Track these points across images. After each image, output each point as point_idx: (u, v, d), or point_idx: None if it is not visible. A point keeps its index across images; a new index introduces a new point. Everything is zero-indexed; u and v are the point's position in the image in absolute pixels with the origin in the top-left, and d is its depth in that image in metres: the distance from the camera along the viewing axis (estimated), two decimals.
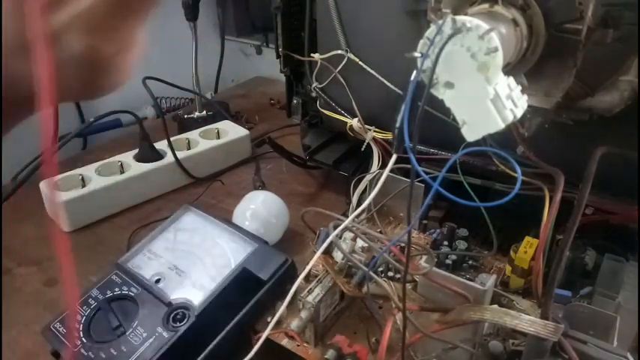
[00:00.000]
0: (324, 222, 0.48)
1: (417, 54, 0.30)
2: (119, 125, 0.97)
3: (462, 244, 0.53)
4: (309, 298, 0.44)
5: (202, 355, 0.42)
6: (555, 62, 0.37)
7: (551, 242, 0.45)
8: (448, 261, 0.51)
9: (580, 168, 0.39)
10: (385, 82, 0.56)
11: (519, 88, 0.31)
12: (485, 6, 0.35)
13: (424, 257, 0.45)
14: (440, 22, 0.29)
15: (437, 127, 0.44)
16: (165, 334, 0.43)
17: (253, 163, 0.80)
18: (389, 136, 0.59)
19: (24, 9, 0.21)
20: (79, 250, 0.62)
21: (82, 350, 0.43)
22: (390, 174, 0.55)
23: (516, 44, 0.34)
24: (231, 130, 0.80)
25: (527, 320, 0.35)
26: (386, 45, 0.55)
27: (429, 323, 0.41)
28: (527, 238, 0.49)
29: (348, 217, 0.43)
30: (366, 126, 0.60)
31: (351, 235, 0.47)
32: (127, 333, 0.43)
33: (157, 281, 0.47)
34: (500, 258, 0.54)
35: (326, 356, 0.42)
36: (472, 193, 0.48)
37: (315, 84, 0.65)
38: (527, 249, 0.48)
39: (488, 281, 0.42)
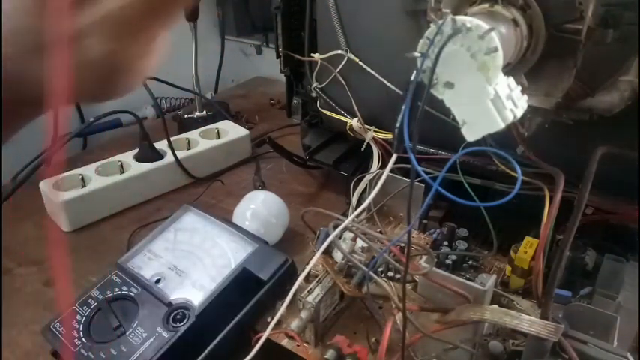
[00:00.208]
0: (324, 222, 0.48)
1: (417, 54, 0.30)
2: (119, 125, 0.97)
3: (462, 244, 0.53)
4: (309, 298, 0.44)
5: (202, 355, 0.42)
6: (555, 62, 0.37)
7: (551, 242, 0.45)
8: (448, 261, 0.51)
9: (580, 168, 0.39)
10: (385, 82, 0.56)
11: (519, 88, 0.31)
12: (486, 6, 0.35)
13: (424, 257, 0.45)
14: (440, 22, 0.29)
15: (437, 127, 0.44)
16: (165, 334, 0.43)
17: (253, 163, 0.80)
18: (389, 136, 0.59)
19: (47, 7, 0.20)
20: (79, 250, 0.62)
21: (82, 350, 0.43)
22: (390, 174, 0.55)
23: (516, 44, 0.34)
24: (231, 130, 0.80)
25: (527, 320, 0.35)
26: (386, 45, 0.55)
27: (429, 323, 0.41)
28: (527, 238, 0.49)
29: (348, 217, 0.43)
30: (366, 126, 0.60)
31: (351, 235, 0.47)
32: (127, 333, 0.43)
33: (157, 281, 0.47)
34: (500, 258, 0.54)
35: (326, 356, 0.42)
36: (472, 193, 0.48)
37: (315, 84, 0.65)
38: (527, 249, 0.48)
39: (488, 281, 0.42)
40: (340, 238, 0.47)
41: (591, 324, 0.38)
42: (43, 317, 0.48)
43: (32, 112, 0.25)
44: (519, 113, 0.30)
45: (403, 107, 0.30)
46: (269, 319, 0.42)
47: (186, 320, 0.44)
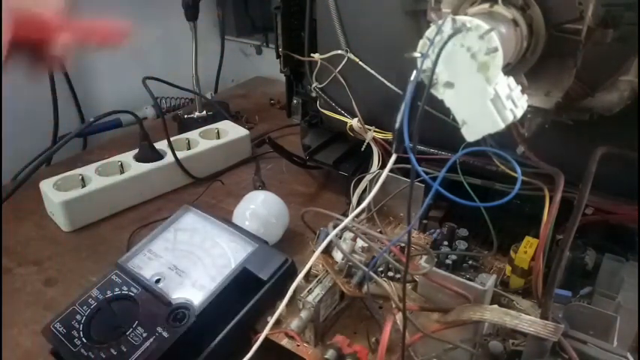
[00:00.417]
0: (324, 222, 0.48)
1: (417, 54, 0.30)
2: (119, 125, 0.97)
3: (462, 244, 0.53)
4: (309, 298, 0.44)
5: (202, 355, 0.42)
6: (555, 62, 0.37)
7: (551, 242, 0.45)
8: (448, 261, 0.51)
9: (580, 168, 0.39)
10: (385, 82, 0.56)
11: (519, 88, 0.31)
12: (486, 6, 0.35)
13: (424, 257, 0.45)
14: (440, 22, 0.29)
15: (437, 127, 0.44)
16: (165, 334, 0.43)
17: (253, 163, 0.80)
18: (389, 136, 0.59)
19: None
20: (79, 250, 0.62)
21: (82, 350, 0.43)
22: (390, 174, 0.55)
23: (516, 44, 0.34)
24: (231, 130, 0.80)
25: (527, 320, 0.35)
26: (386, 45, 0.55)
27: (429, 323, 0.41)
28: (527, 238, 0.49)
29: (348, 217, 0.43)
30: (366, 126, 0.60)
31: (351, 235, 0.47)
32: (127, 333, 0.43)
33: (157, 281, 0.47)
34: (500, 258, 0.54)
35: (326, 356, 0.42)
36: (472, 193, 0.48)
37: (315, 84, 0.65)
38: (527, 249, 0.48)
39: (488, 281, 0.42)
40: (340, 238, 0.47)
41: (591, 324, 0.38)
42: (43, 317, 0.48)
43: None
44: (519, 113, 0.30)
45: (403, 107, 0.30)
46: (269, 319, 0.42)
47: (186, 320, 0.43)
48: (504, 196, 0.32)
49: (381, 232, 0.55)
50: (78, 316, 0.45)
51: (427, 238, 0.57)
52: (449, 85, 0.30)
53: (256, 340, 0.41)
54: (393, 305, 0.42)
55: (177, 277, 0.48)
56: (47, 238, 0.64)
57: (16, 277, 0.58)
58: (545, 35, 0.36)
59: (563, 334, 0.35)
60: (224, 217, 0.55)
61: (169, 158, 0.72)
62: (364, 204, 0.42)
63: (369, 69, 0.58)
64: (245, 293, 0.46)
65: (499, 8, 0.35)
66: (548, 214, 0.41)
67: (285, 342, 0.45)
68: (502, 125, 0.29)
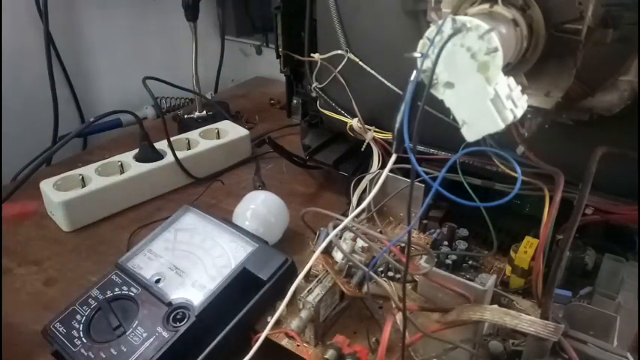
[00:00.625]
0: (324, 222, 0.48)
1: (417, 54, 0.30)
2: (119, 125, 0.97)
3: (462, 244, 0.53)
4: (309, 298, 0.44)
5: (202, 355, 0.42)
6: (555, 62, 0.37)
7: (551, 242, 0.45)
8: (448, 261, 0.51)
9: (580, 168, 0.39)
10: (385, 82, 0.56)
11: (519, 88, 0.31)
12: (486, 6, 0.35)
13: (424, 257, 0.45)
14: (440, 22, 0.29)
15: (437, 127, 0.44)
16: (165, 334, 0.43)
17: (253, 163, 0.80)
18: (389, 136, 0.59)
19: None
20: (79, 250, 0.62)
21: (82, 350, 0.43)
22: (390, 174, 0.55)
23: (516, 44, 0.34)
24: (231, 130, 0.80)
25: (527, 320, 0.35)
26: (386, 45, 0.55)
27: (429, 323, 0.41)
28: (527, 238, 0.49)
29: (348, 217, 0.43)
30: (366, 126, 0.60)
31: (351, 235, 0.47)
32: (127, 333, 0.43)
33: (157, 281, 0.47)
34: (500, 258, 0.54)
35: (326, 356, 0.42)
36: (472, 193, 0.48)
37: (315, 84, 0.65)
38: (527, 249, 0.48)
39: (488, 281, 0.42)
40: (340, 238, 0.47)
41: (591, 324, 0.38)
42: (43, 317, 0.48)
43: None
44: (519, 113, 0.30)
45: (403, 107, 0.30)
46: (269, 319, 0.42)
47: (186, 320, 0.44)
48: (504, 196, 0.32)
49: (381, 232, 0.55)
50: (78, 316, 0.45)
51: (427, 238, 0.57)
52: (449, 85, 0.30)
53: (256, 340, 0.41)
54: (393, 305, 0.42)
55: (177, 277, 0.48)
56: (47, 238, 0.64)
57: (16, 277, 0.58)
58: (545, 35, 0.36)
59: (563, 334, 0.35)
60: (224, 217, 0.55)
61: (169, 158, 0.72)
62: (364, 204, 0.42)
63: (369, 69, 0.58)
64: (245, 293, 0.46)
65: (499, 8, 0.35)
66: (548, 214, 0.41)
67: (285, 342, 0.45)
68: (502, 125, 0.29)
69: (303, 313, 0.44)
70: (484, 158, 0.51)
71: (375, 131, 0.60)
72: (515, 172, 0.33)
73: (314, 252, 0.43)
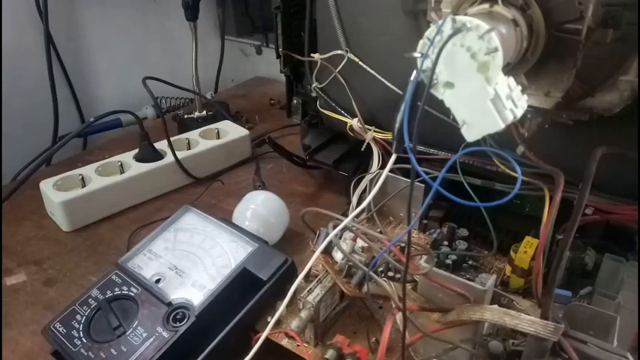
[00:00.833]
0: (324, 222, 0.48)
1: (417, 54, 0.30)
2: (119, 125, 0.97)
3: (462, 244, 0.53)
4: (309, 298, 0.44)
5: (202, 355, 0.42)
6: (555, 62, 0.37)
7: (551, 242, 0.45)
8: (448, 261, 0.51)
9: (580, 168, 0.39)
10: (385, 82, 0.56)
11: (519, 88, 0.31)
12: (486, 6, 0.35)
13: (424, 257, 0.45)
14: (440, 22, 0.29)
15: (437, 127, 0.44)
16: (165, 334, 0.43)
17: (253, 163, 0.80)
18: (389, 136, 0.59)
19: None
20: (79, 250, 0.62)
21: (82, 350, 0.43)
22: (390, 174, 0.55)
23: (516, 44, 0.34)
24: (231, 130, 0.80)
25: (527, 320, 0.35)
26: (386, 45, 0.55)
27: (429, 323, 0.41)
28: (527, 238, 0.49)
29: (348, 217, 0.43)
30: (366, 126, 0.60)
31: (351, 235, 0.47)
32: (127, 333, 0.43)
33: (157, 281, 0.47)
34: (500, 258, 0.54)
35: (326, 356, 0.42)
36: (472, 193, 0.48)
37: (315, 84, 0.65)
38: (527, 249, 0.48)
39: (488, 281, 0.42)
40: (340, 238, 0.47)
41: (591, 324, 0.38)
42: (43, 317, 0.48)
43: None
44: (519, 113, 0.30)
45: (403, 107, 0.30)
46: (269, 319, 0.42)
47: (186, 320, 0.44)
48: (504, 196, 0.32)
49: (381, 232, 0.55)
50: (78, 316, 0.45)
51: (427, 238, 0.57)
52: (449, 85, 0.30)
53: (257, 340, 0.41)
54: (393, 305, 0.42)
55: (177, 277, 0.48)
56: (47, 238, 0.64)
57: (16, 277, 0.58)
58: (545, 35, 0.36)
59: (563, 334, 0.35)
60: (224, 217, 0.55)
61: (169, 158, 0.72)
62: (364, 204, 0.42)
63: (369, 69, 0.58)
64: (245, 293, 0.46)
65: (499, 8, 0.35)
66: (548, 214, 0.41)
67: (285, 342, 0.45)
68: (502, 125, 0.29)
69: (303, 313, 0.44)
70: (484, 158, 0.51)
71: (375, 131, 0.60)
72: (515, 172, 0.33)
73: (314, 252, 0.43)
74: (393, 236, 0.56)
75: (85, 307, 0.46)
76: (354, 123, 0.61)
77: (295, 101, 0.74)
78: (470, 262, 0.52)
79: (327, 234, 0.44)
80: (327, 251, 0.46)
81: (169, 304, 0.45)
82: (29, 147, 0.85)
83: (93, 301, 0.46)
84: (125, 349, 0.42)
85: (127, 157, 0.72)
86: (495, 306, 0.39)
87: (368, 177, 0.59)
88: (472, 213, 0.56)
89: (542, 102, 0.39)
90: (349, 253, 0.45)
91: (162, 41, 1.10)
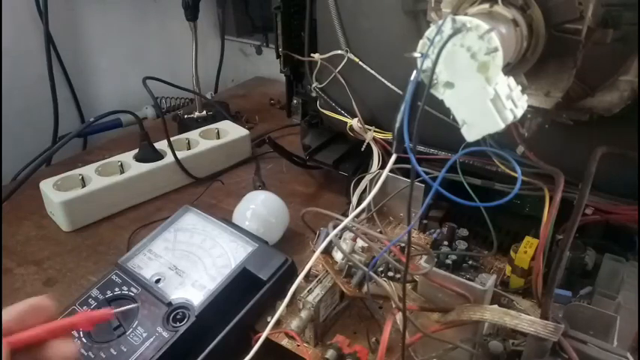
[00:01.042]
0: (324, 222, 0.48)
1: (417, 54, 0.30)
2: (119, 125, 0.97)
3: (462, 244, 0.53)
4: (309, 298, 0.44)
5: (202, 355, 0.42)
6: (555, 62, 0.37)
7: (551, 242, 0.45)
8: (448, 261, 0.51)
9: (580, 168, 0.39)
10: (385, 82, 0.56)
11: (519, 88, 0.31)
12: (486, 6, 0.35)
13: (424, 257, 0.45)
14: (440, 22, 0.29)
15: (437, 127, 0.44)
16: (165, 334, 0.43)
17: (253, 163, 0.80)
18: (389, 136, 0.59)
19: None
20: (79, 250, 0.62)
21: (82, 350, 0.43)
22: (390, 174, 0.55)
23: (516, 44, 0.34)
24: (231, 130, 0.80)
25: (527, 320, 0.35)
26: (386, 45, 0.55)
27: (429, 323, 0.41)
28: (527, 238, 0.49)
29: (348, 217, 0.43)
30: (366, 126, 0.60)
31: (351, 235, 0.47)
32: (127, 333, 0.43)
33: (157, 281, 0.47)
34: (500, 258, 0.54)
35: (326, 356, 0.42)
36: (472, 193, 0.48)
37: (315, 84, 0.65)
38: (527, 249, 0.48)
39: (488, 281, 0.42)
40: (340, 238, 0.47)
41: (591, 324, 0.38)
42: None
43: None
44: (519, 113, 0.30)
45: (403, 107, 0.30)
46: (269, 319, 0.42)
47: (186, 320, 0.44)
48: (504, 196, 0.32)
49: (381, 232, 0.55)
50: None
51: (427, 238, 0.57)
52: (449, 85, 0.30)
53: (257, 341, 0.41)
54: (393, 305, 0.42)
55: (177, 277, 0.48)
56: (47, 238, 0.64)
57: (16, 277, 0.58)
58: (545, 35, 0.36)
59: (563, 334, 0.35)
60: (224, 217, 0.55)
61: (169, 158, 0.72)
62: (364, 204, 0.42)
63: (369, 69, 0.58)
64: (245, 293, 0.46)
65: (499, 8, 0.35)
66: (548, 214, 0.41)
67: (285, 342, 0.45)
68: (502, 125, 0.29)
69: (303, 313, 0.44)
70: (484, 158, 0.51)
71: (375, 131, 0.60)
72: (515, 172, 0.33)
73: (314, 252, 0.43)
74: (393, 236, 0.56)
75: (85, 307, 0.46)
76: (354, 123, 0.61)
77: (295, 101, 0.74)
78: (470, 262, 0.52)
79: (327, 234, 0.44)
80: (327, 251, 0.46)
81: (169, 304, 0.45)
82: (29, 147, 0.85)
83: (93, 301, 0.46)
84: (125, 349, 0.42)
85: (127, 157, 0.72)
86: (495, 306, 0.39)
87: (368, 177, 0.59)
88: (472, 213, 0.56)
89: (542, 102, 0.39)
90: (349, 253, 0.45)
91: (162, 41, 1.10)
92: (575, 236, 0.37)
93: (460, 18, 0.29)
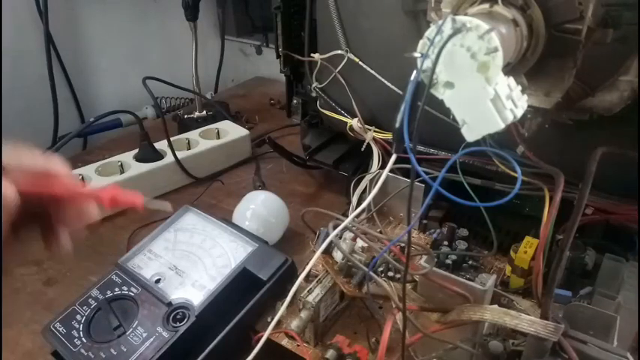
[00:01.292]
0: (324, 222, 0.48)
1: (417, 54, 0.30)
2: (119, 125, 0.97)
3: (462, 244, 0.53)
4: (309, 298, 0.44)
5: (202, 355, 0.42)
6: (555, 62, 0.37)
7: (551, 242, 0.45)
8: (448, 261, 0.51)
9: (580, 168, 0.39)
10: (385, 82, 0.56)
11: (519, 88, 0.31)
12: (486, 6, 0.35)
13: (424, 257, 0.45)
14: (440, 22, 0.29)
15: (437, 127, 0.44)
16: (165, 334, 0.43)
17: (253, 163, 0.80)
18: (389, 136, 0.59)
19: None
20: (79, 250, 0.62)
21: (82, 350, 0.43)
22: (390, 174, 0.55)
23: (516, 44, 0.34)
24: (231, 130, 0.80)
25: (527, 320, 0.35)
26: (386, 45, 0.55)
27: (429, 323, 0.41)
28: (527, 238, 0.49)
29: (348, 217, 0.43)
30: (366, 126, 0.60)
31: (351, 235, 0.47)
32: (127, 333, 0.43)
33: (157, 281, 0.47)
34: (500, 258, 0.54)
35: (326, 356, 0.42)
36: (472, 193, 0.48)
37: (315, 84, 0.65)
38: (527, 249, 0.48)
39: (488, 281, 0.42)
40: (340, 238, 0.47)
41: (591, 324, 0.38)
42: (43, 317, 0.48)
43: None
44: (519, 113, 0.30)
45: (403, 107, 0.29)
46: (269, 319, 0.42)
47: (186, 320, 0.44)
48: (504, 196, 0.32)
49: (381, 232, 0.55)
50: (78, 316, 0.45)
51: (427, 238, 0.57)
52: (449, 85, 0.30)
53: (257, 341, 0.41)
54: (393, 305, 0.42)
55: (177, 277, 0.48)
56: None
57: (16, 277, 0.58)
58: (545, 35, 0.36)
59: (563, 334, 0.35)
60: (224, 217, 0.55)
61: (169, 158, 0.72)
62: (364, 204, 0.42)
63: (369, 69, 0.58)
64: (245, 293, 0.46)
65: (499, 8, 0.34)
66: (548, 214, 0.41)
67: (285, 342, 0.45)
68: (502, 125, 0.29)
69: (303, 313, 0.44)
70: (484, 158, 0.51)
71: (375, 131, 0.60)
72: (515, 172, 0.33)
73: (314, 252, 0.43)
74: (393, 236, 0.56)
75: (85, 307, 0.46)
76: (354, 123, 0.61)
77: (295, 101, 0.74)
78: (470, 262, 0.52)
79: (327, 234, 0.44)
80: (327, 251, 0.46)
81: (169, 304, 0.45)
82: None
83: (93, 301, 0.46)
84: (125, 349, 0.42)
85: (127, 157, 0.72)
86: (495, 306, 0.39)
87: (368, 177, 0.59)
88: (472, 213, 0.56)
89: (542, 102, 0.39)
90: (349, 253, 0.45)
91: (162, 41, 1.10)
92: (575, 236, 0.37)
93: (460, 18, 0.29)
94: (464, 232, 0.55)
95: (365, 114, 0.60)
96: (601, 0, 0.35)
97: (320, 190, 0.73)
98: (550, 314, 0.35)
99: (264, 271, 0.47)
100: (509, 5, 0.35)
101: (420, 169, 0.30)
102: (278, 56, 0.69)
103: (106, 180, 0.67)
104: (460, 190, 0.48)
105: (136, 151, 0.72)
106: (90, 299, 0.47)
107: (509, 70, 0.35)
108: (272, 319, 0.42)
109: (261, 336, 0.41)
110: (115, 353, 0.42)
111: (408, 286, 0.44)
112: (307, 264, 0.42)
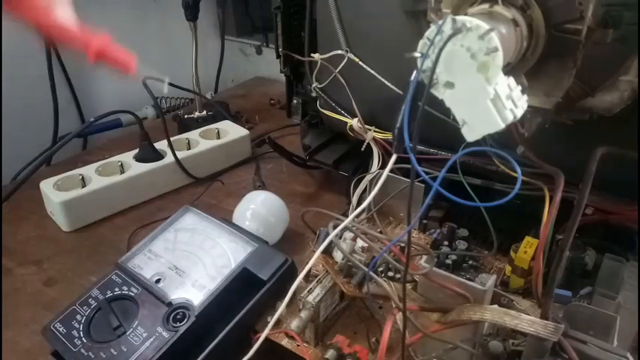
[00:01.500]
0: (324, 222, 0.48)
1: (417, 54, 0.30)
2: (119, 125, 0.97)
3: (462, 244, 0.53)
4: (309, 298, 0.44)
5: (202, 355, 0.42)
6: (555, 62, 0.37)
7: (551, 242, 0.45)
8: (448, 261, 0.51)
9: (580, 168, 0.39)
10: (385, 82, 0.56)
11: (519, 88, 0.31)
12: (486, 6, 0.35)
13: (424, 257, 0.45)
14: (440, 22, 0.29)
15: (437, 127, 0.44)
16: (165, 334, 0.43)
17: (253, 163, 0.80)
18: (389, 136, 0.59)
19: None
20: (79, 250, 0.62)
21: (82, 350, 0.43)
22: (390, 174, 0.55)
23: (516, 44, 0.34)
24: (231, 130, 0.80)
25: (527, 320, 0.35)
26: (386, 45, 0.55)
27: (429, 323, 0.41)
28: (527, 238, 0.49)
29: (348, 217, 0.43)
30: (366, 126, 0.60)
31: (351, 235, 0.47)
32: (127, 333, 0.43)
33: (157, 281, 0.47)
34: (500, 258, 0.54)
35: (326, 356, 0.42)
36: (472, 193, 0.48)
37: (315, 84, 0.65)
38: (527, 249, 0.48)
39: (488, 281, 0.42)
40: (340, 238, 0.47)
41: (591, 324, 0.38)
42: (43, 317, 0.48)
43: None
44: (519, 113, 0.30)
45: (403, 107, 0.30)
46: (269, 319, 0.42)
47: (186, 320, 0.44)
48: (504, 196, 0.32)
49: (381, 232, 0.55)
50: (78, 316, 0.45)
51: (427, 238, 0.57)
52: (449, 85, 0.30)
53: (257, 341, 0.41)
54: (393, 305, 0.42)
55: (177, 277, 0.48)
56: (47, 238, 0.64)
57: (16, 277, 0.58)
58: (545, 35, 0.36)
59: (563, 334, 0.35)
60: (224, 217, 0.55)
61: (169, 158, 0.72)
62: (364, 204, 0.42)
63: (369, 69, 0.58)
64: (245, 293, 0.46)
65: (499, 8, 0.34)
66: (548, 214, 0.41)
67: (285, 342, 0.45)
68: (502, 125, 0.29)
69: (303, 313, 0.44)
70: (484, 158, 0.51)
71: (375, 131, 0.60)
72: (515, 172, 0.33)
73: (314, 252, 0.43)
74: (393, 236, 0.56)
75: (85, 307, 0.46)
76: (354, 123, 0.61)
77: (295, 101, 0.74)
78: (470, 262, 0.52)
79: (327, 234, 0.44)
80: (327, 251, 0.46)
81: (169, 304, 0.45)
82: (29, 147, 0.85)
83: (93, 301, 0.46)
84: (125, 349, 0.42)
85: (127, 157, 0.72)
86: (495, 306, 0.39)
87: (368, 177, 0.59)
88: (472, 213, 0.56)
89: (542, 102, 0.39)
90: (349, 253, 0.45)
91: (162, 41, 1.10)
92: (575, 236, 0.37)
93: (460, 18, 0.29)
94: (464, 232, 0.55)
95: (365, 114, 0.60)
96: (601, 0, 0.35)
97: (320, 190, 0.73)
98: (550, 314, 0.35)
99: (264, 271, 0.47)
100: (509, 5, 0.35)
101: (420, 169, 0.30)
102: (278, 56, 0.69)
103: (106, 180, 0.67)
104: (460, 190, 0.48)
105: (136, 151, 0.72)
106: (90, 299, 0.47)
107: (509, 70, 0.35)
108: (272, 319, 0.42)
109: (261, 336, 0.41)
110: (115, 353, 0.42)
111: (408, 286, 0.44)
112: (307, 264, 0.42)
